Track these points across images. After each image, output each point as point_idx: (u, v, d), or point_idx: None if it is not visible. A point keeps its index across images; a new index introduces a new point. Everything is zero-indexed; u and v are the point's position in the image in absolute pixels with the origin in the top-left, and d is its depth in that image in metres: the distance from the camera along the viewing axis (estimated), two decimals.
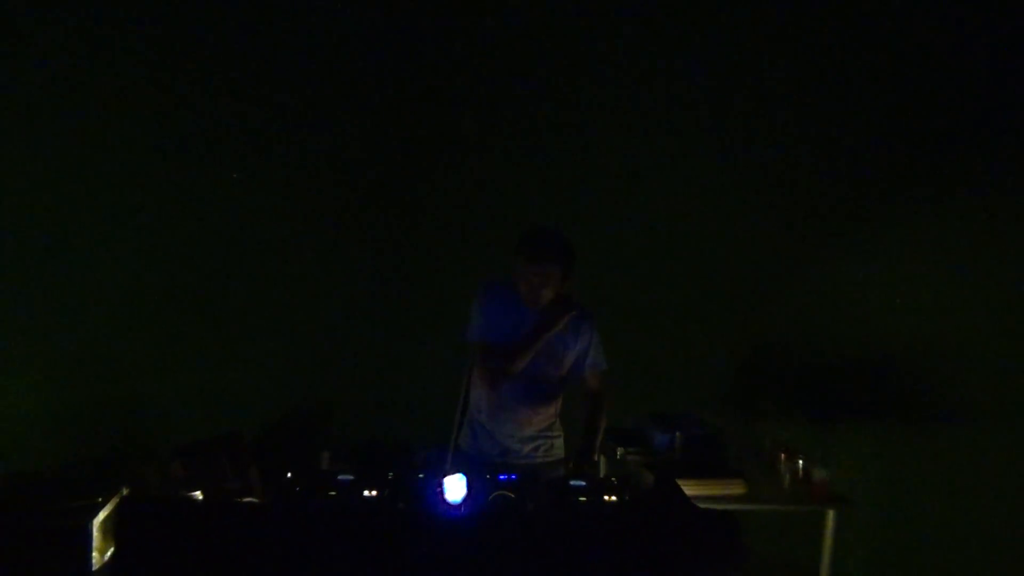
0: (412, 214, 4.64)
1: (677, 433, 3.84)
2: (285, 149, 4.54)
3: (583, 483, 2.68)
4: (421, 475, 2.66)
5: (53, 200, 4.32)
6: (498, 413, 3.34)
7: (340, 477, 2.60)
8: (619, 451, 3.84)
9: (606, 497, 2.60)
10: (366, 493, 2.52)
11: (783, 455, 3.67)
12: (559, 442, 3.48)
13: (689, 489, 3.14)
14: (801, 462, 3.63)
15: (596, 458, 3.38)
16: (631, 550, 2.29)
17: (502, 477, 2.64)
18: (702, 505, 2.83)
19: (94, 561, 2.52)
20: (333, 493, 2.52)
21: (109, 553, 2.63)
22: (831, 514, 3.47)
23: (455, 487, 2.36)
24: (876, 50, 4.39)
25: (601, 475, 3.90)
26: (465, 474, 2.41)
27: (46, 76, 4.24)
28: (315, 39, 4.48)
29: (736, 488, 3.49)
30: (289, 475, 2.64)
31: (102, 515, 2.64)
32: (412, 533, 2.15)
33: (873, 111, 4.42)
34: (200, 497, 2.64)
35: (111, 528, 2.64)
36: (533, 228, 3.19)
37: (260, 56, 4.43)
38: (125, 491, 2.71)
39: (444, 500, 2.36)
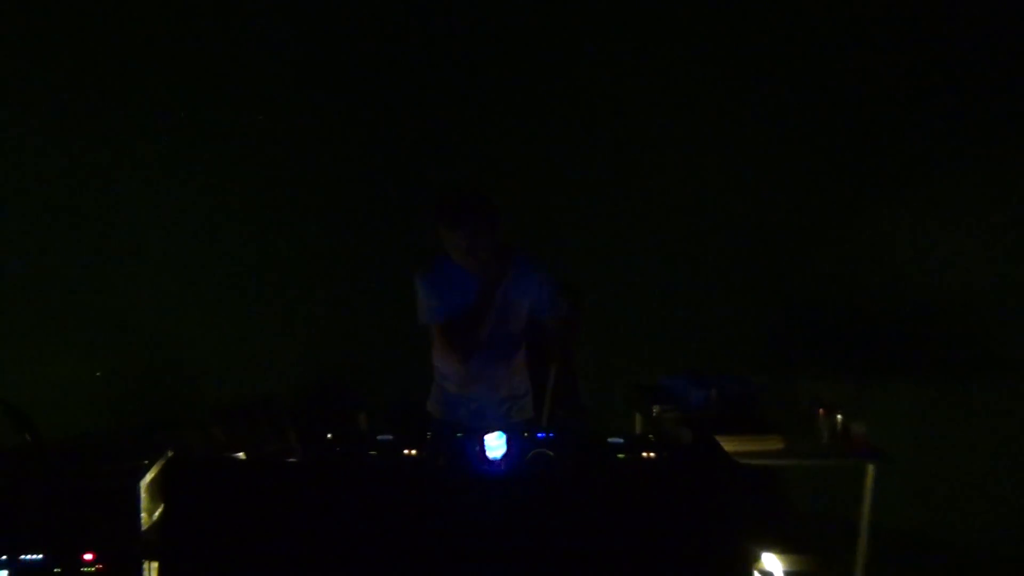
0: (409, 196, 4.61)
1: (713, 390, 3.82)
2: (315, 132, 4.54)
3: (621, 440, 2.69)
4: (460, 434, 2.70)
5: (93, 173, 4.38)
6: (469, 383, 3.33)
7: (380, 437, 2.63)
8: (655, 409, 3.83)
9: (644, 454, 2.60)
10: (405, 452, 2.55)
11: (821, 410, 3.64)
12: (528, 400, 3.50)
13: (726, 445, 3.12)
14: (839, 417, 3.60)
15: (583, 401, 3.38)
16: (670, 506, 2.29)
17: (540, 435, 2.66)
18: (741, 461, 2.82)
19: (142, 521, 2.58)
20: (373, 452, 2.55)
21: (156, 513, 2.69)
22: (870, 468, 3.45)
23: (495, 444, 2.37)
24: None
25: (637, 432, 3.92)
26: (504, 431, 2.43)
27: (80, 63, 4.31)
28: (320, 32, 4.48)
29: (773, 444, 3.48)
30: (329, 436, 2.67)
31: (148, 477, 2.70)
32: (452, 490, 2.17)
33: (907, 57, 4.31)
34: (243, 458, 2.68)
35: (158, 489, 2.70)
36: (443, 195, 3.12)
37: (278, 52, 4.45)
38: (170, 454, 2.77)
39: (484, 457, 2.38)
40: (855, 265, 4.47)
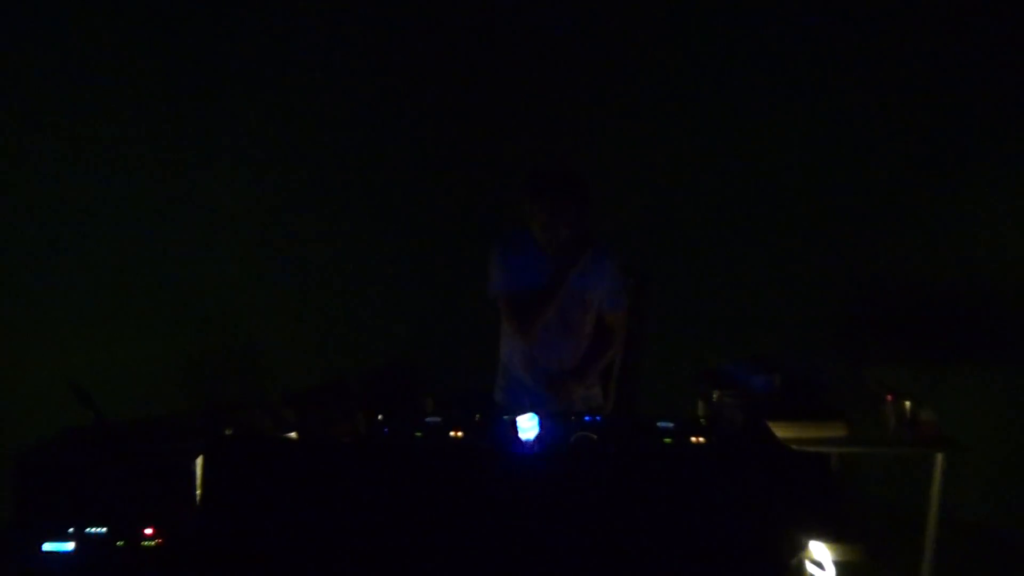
0: (486, 178, 4.61)
1: (777, 375, 3.73)
2: (377, 114, 4.59)
3: (671, 424, 2.65)
4: (506, 416, 2.70)
5: (164, 156, 4.52)
6: (532, 364, 3.30)
7: (428, 419, 2.65)
8: (715, 393, 3.76)
9: (693, 439, 2.56)
10: (452, 434, 2.56)
11: (889, 396, 3.51)
12: (595, 391, 3.44)
13: (788, 431, 3.07)
14: (908, 403, 3.46)
15: (579, 387, 3.31)
16: (716, 492, 2.25)
17: (587, 418, 2.64)
18: (802, 447, 2.75)
19: (198, 498, 2.67)
20: (419, 434, 2.57)
21: None
22: (940, 457, 3.31)
23: (527, 426, 2.37)
24: None
25: (701, 415, 3.85)
26: (537, 413, 2.42)
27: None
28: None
29: (837, 430, 3.37)
30: (380, 416, 2.71)
31: None
32: (488, 472, 2.18)
33: (979, 45, 4.12)
34: (294, 437, 2.74)
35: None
36: (537, 168, 3.10)
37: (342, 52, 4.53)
38: (228, 432, 2.85)
39: (519, 439, 2.38)
40: (927, 250, 4.34)
